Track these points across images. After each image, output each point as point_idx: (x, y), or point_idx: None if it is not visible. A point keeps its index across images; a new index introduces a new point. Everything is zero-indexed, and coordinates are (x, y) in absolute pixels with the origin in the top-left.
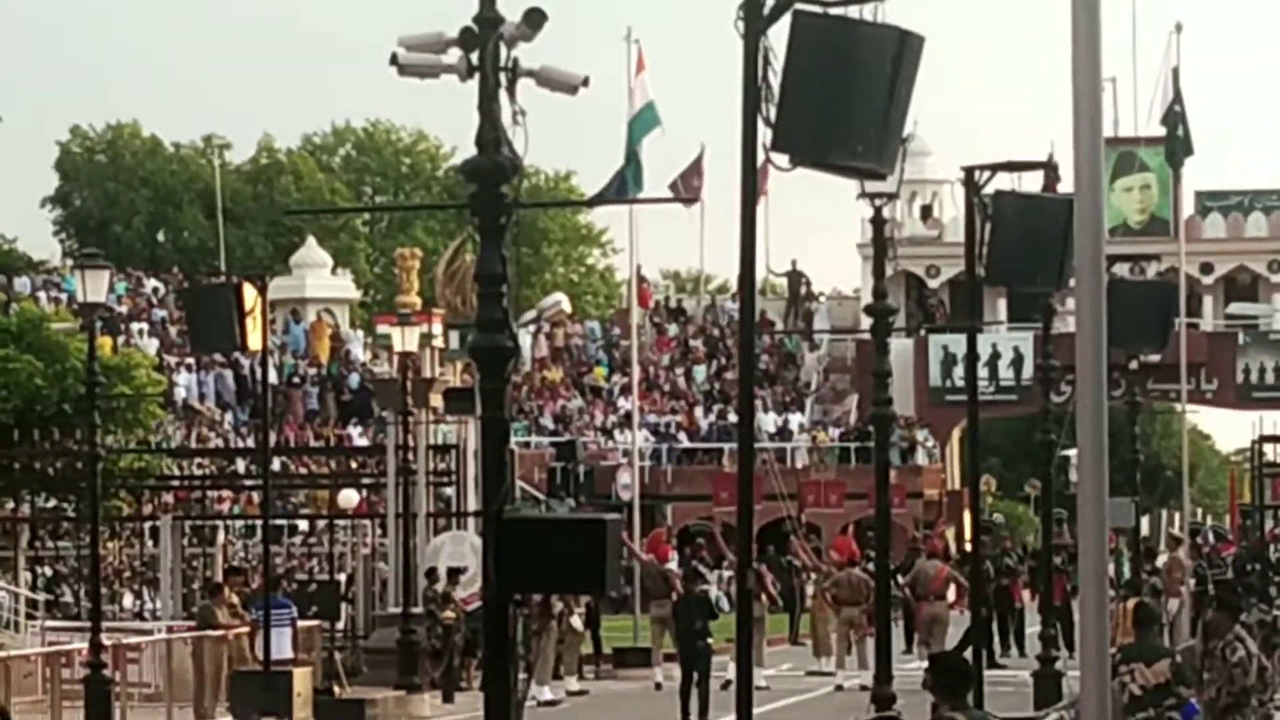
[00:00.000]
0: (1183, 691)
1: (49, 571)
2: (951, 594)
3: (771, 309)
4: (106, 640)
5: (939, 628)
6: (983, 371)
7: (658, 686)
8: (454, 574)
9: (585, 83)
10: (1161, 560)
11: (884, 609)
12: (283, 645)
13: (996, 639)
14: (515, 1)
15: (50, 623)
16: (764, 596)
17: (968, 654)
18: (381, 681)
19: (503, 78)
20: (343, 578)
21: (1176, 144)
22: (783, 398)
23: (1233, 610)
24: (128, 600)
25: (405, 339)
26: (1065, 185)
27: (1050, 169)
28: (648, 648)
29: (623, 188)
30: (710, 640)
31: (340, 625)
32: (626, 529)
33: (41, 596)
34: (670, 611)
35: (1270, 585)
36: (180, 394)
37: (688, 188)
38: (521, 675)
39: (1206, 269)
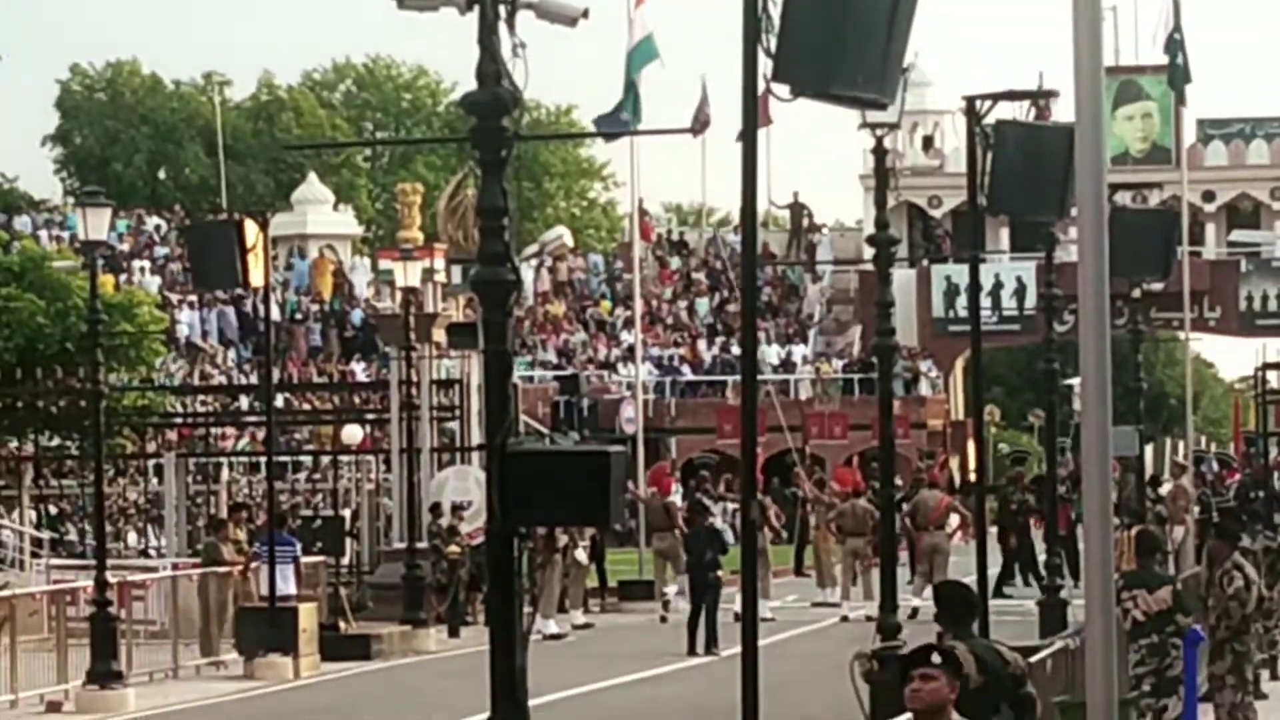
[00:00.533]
0: (1181, 619)
1: (53, 510)
2: (955, 522)
3: (774, 241)
4: (111, 578)
5: (940, 558)
6: (986, 301)
7: (663, 619)
8: (458, 509)
9: (585, 15)
10: (1166, 488)
11: (889, 540)
12: (286, 581)
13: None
14: None
15: (55, 561)
16: (767, 529)
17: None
18: (387, 617)
19: (502, 10)
20: (347, 513)
21: (1176, 72)
22: (786, 330)
23: (1231, 538)
24: (132, 538)
25: (408, 274)
26: (1063, 114)
27: (1049, 97)
28: (653, 580)
29: (621, 120)
30: (720, 572)
31: (345, 561)
32: (630, 462)
33: (46, 535)
34: (673, 544)
35: (1276, 512)
36: (183, 331)
37: (697, 119)
38: (526, 609)
39: (1208, 197)
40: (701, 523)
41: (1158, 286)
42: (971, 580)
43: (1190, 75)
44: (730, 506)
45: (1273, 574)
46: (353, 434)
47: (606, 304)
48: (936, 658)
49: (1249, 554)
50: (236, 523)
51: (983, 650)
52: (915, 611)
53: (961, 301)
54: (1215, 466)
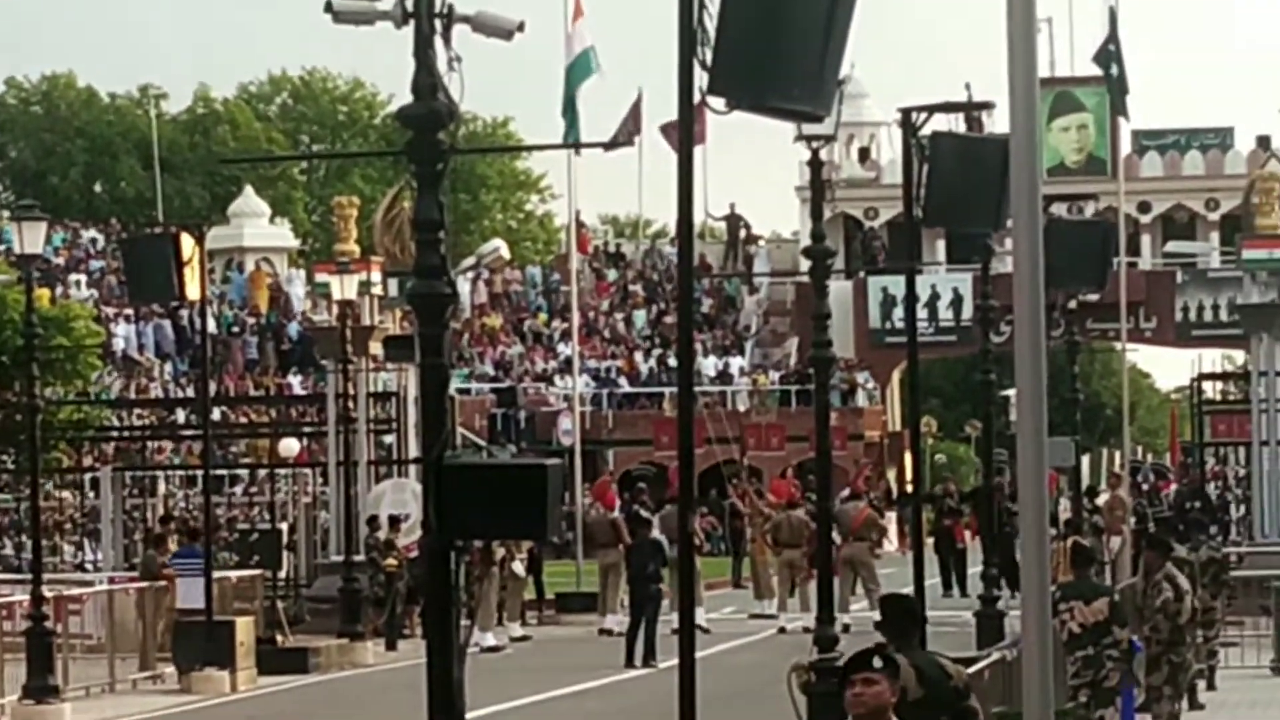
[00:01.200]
0: (1118, 631)
1: None
2: (893, 537)
3: (710, 253)
4: (48, 592)
5: (864, 569)
6: (922, 313)
7: (607, 632)
8: (396, 521)
9: (521, 28)
10: (1102, 499)
11: (825, 551)
12: (192, 594)
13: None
14: None
15: None
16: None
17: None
18: (324, 630)
19: (438, 23)
20: (284, 527)
21: (1113, 83)
22: (723, 341)
23: (1164, 549)
24: (69, 552)
25: (344, 287)
26: (1000, 125)
27: (984, 109)
28: (590, 592)
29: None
30: (663, 585)
31: (282, 574)
32: (568, 474)
33: None
34: (619, 560)
35: (1215, 523)
36: (119, 345)
37: (626, 131)
38: (464, 622)
39: (1144, 208)
40: (644, 535)
41: (1094, 297)
42: (909, 591)
43: (1128, 86)
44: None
45: (1216, 584)
46: (289, 447)
47: (543, 315)
48: (878, 661)
49: (1184, 564)
50: (169, 535)
51: (924, 663)
52: (846, 628)
53: (898, 313)
54: (1151, 477)
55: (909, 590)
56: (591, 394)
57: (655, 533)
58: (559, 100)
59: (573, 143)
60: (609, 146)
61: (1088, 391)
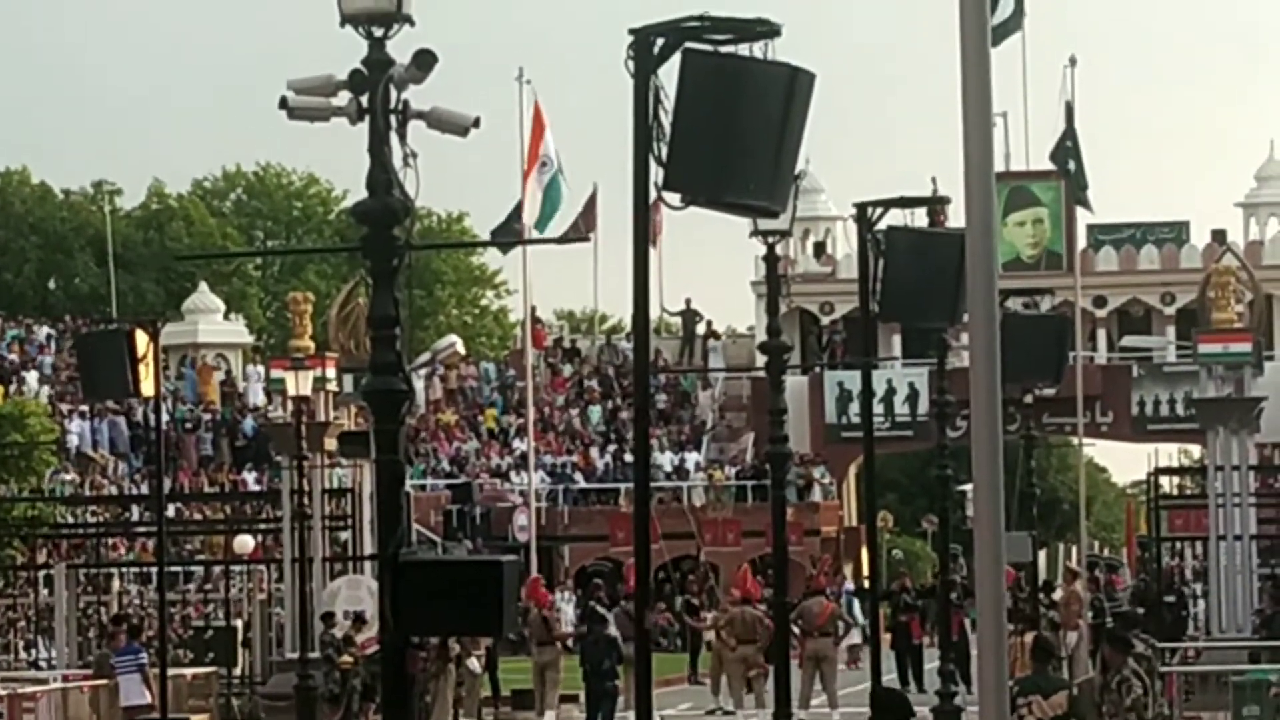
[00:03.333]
0: None
1: None
2: (840, 629)
3: (666, 348)
4: (2, 690)
5: (826, 665)
6: (878, 408)
7: None
8: (357, 618)
9: (476, 124)
10: (1059, 593)
11: (783, 646)
12: (131, 691)
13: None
14: (405, 43)
15: None
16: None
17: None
18: None
19: (393, 120)
20: (239, 623)
21: (1071, 179)
22: (679, 436)
23: (1124, 645)
24: (21, 650)
25: (299, 383)
26: (956, 219)
27: (940, 204)
28: None
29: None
30: (618, 682)
31: (237, 671)
32: (524, 571)
33: None
34: (554, 657)
35: (1163, 617)
36: (73, 441)
37: (580, 227)
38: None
39: (1100, 302)
40: (600, 631)
41: (1050, 392)
42: (865, 687)
43: (1087, 181)
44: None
45: (1150, 677)
46: (244, 543)
47: (492, 412)
48: None
49: (1143, 659)
50: (120, 633)
51: None
52: None
53: (854, 408)
54: (1104, 571)
55: (866, 686)
56: (547, 490)
57: (611, 629)
58: (514, 196)
59: (526, 239)
60: (561, 241)
61: (1044, 486)
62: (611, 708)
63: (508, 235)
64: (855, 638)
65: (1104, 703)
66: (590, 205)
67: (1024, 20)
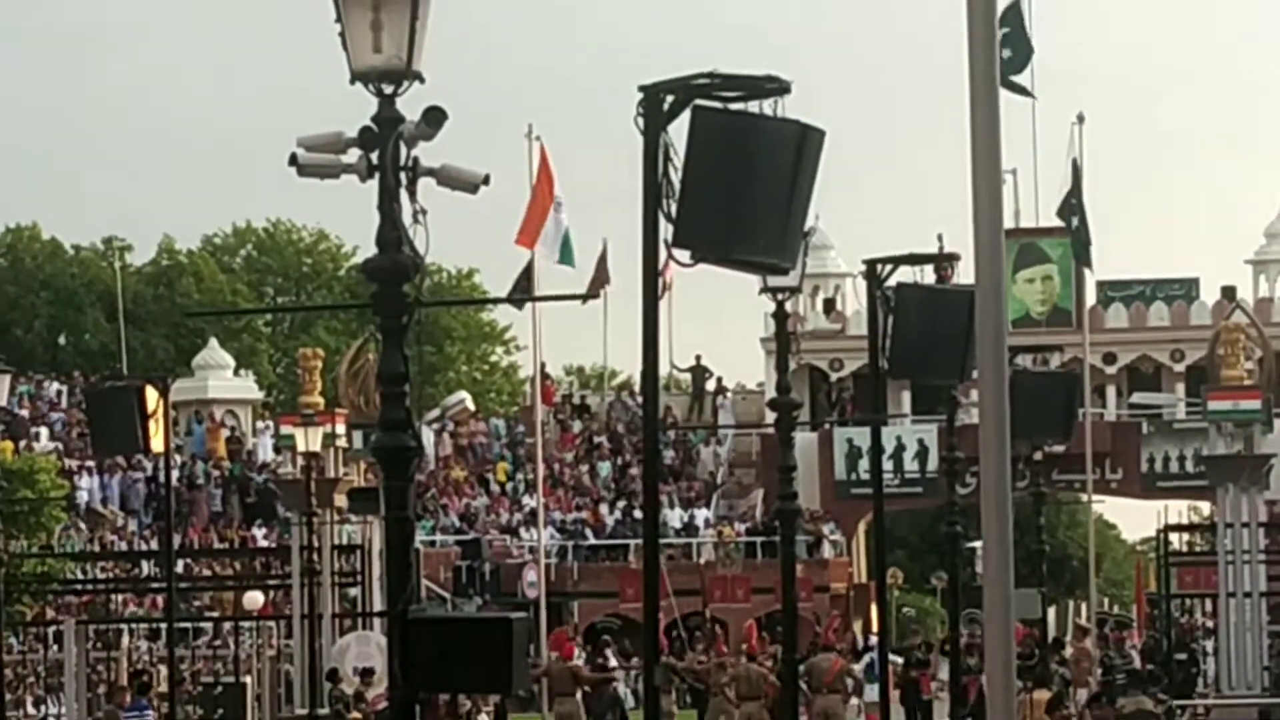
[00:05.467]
0: None
1: None
2: (850, 686)
3: (676, 404)
4: None
5: None
6: (888, 464)
7: None
8: (366, 674)
9: (486, 181)
10: (1069, 651)
11: (792, 703)
12: None
13: None
14: (415, 100)
15: None
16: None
17: None
18: None
19: (403, 177)
20: (249, 680)
21: (1075, 236)
22: (688, 493)
23: (1109, 703)
24: (30, 706)
25: (309, 439)
26: (965, 276)
27: (949, 260)
28: None
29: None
30: None
31: None
32: (533, 627)
33: None
34: (574, 709)
35: (1173, 675)
36: (83, 497)
37: (592, 282)
38: None
39: (1109, 359)
40: (603, 688)
41: (1059, 449)
42: None
43: (1089, 237)
44: (634, 672)
45: None
46: (254, 599)
47: (505, 465)
48: None
49: (1152, 718)
50: (133, 691)
51: None
52: None
53: (864, 464)
54: (1115, 629)
55: None
56: (557, 546)
57: (620, 686)
58: (524, 256)
59: (540, 296)
60: (585, 299)
61: (1054, 543)
62: None
63: (521, 293)
64: (872, 695)
65: None
66: (601, 261)
67: (1030, 58)
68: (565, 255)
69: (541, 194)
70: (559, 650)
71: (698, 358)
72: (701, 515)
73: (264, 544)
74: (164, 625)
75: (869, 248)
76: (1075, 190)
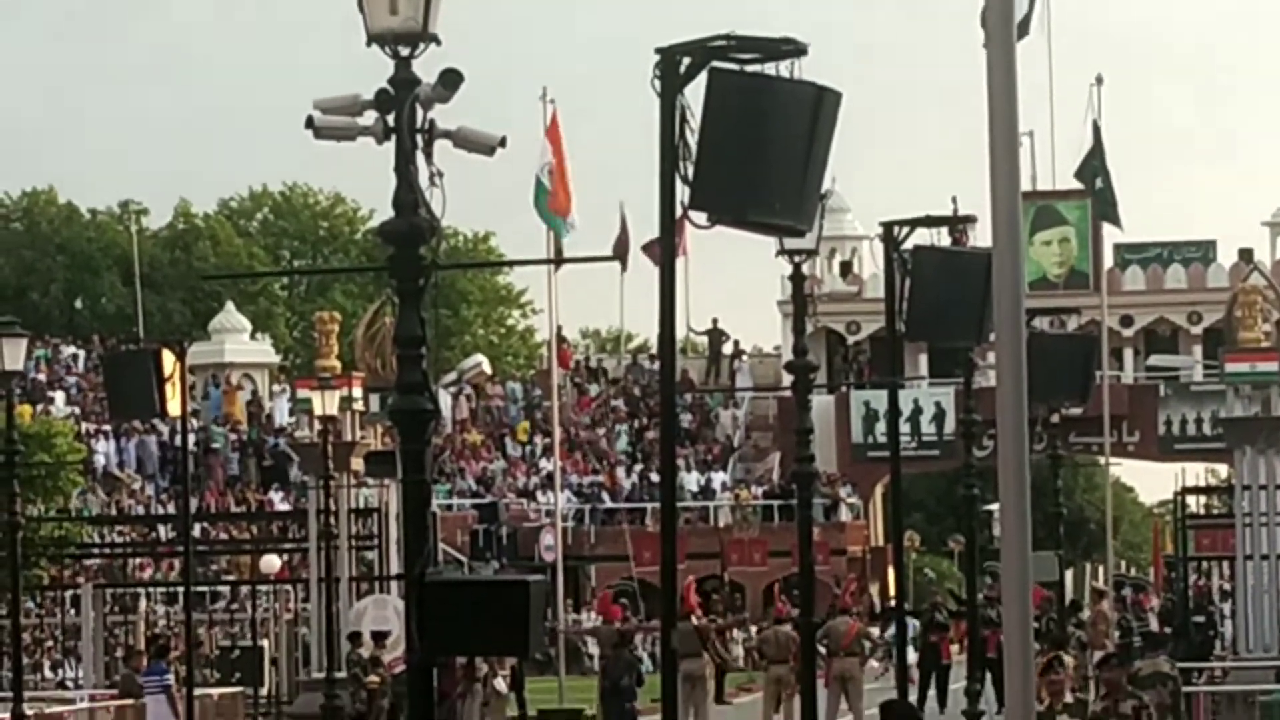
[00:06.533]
0: None
1: None
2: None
3: (693, 367)
4: (29, 710)
5: (852, 685)
6: (905, 427)
7: None
8: (380, 637)
9: (503, 143)
10: (1086, 613)
11: (810, 666)
12: (159, 712)
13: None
14: (431, 63)
15: None
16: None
17: None
18: None
19: (419, 139)
20: (266, 644)
21: (1101, 196)
22: (705, 456)
23: (1119, 664)
24: (48, 669)
25: (325, 403)
26: (982, 238)
27: (967, 222)
28: (573, 709)
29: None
30: (636, 703)
31: (264, 692)
32: (550, 590)
33: None
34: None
35: (1190, 637)
36: (100, 461)
37: (618, 247)
38: None
39: (1126, 321)
40: (619, 651)
41: (1077, 411)
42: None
43: (1115, 197)
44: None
45: (1174, 698)
46: (271, 563)
47: (525, 425)
48: None
49: (1168, 680)
50: (152, 655)
51: None
52: None
53: (880, 427)
54: (1132, 591)
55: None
56: (574, 510)
57: (638, 650)
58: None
59: (557, 259)
60: (617, 259)
61: (1071, 506)
62: None
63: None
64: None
65: None
66: (622, 226)
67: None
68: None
69: (558, 159)
70: (605, 613)
71: (715, 321)
72: (718, 478)
73: (281, 508)
74: (181, 589)
75: (886, 210)
76: (1097, 151)
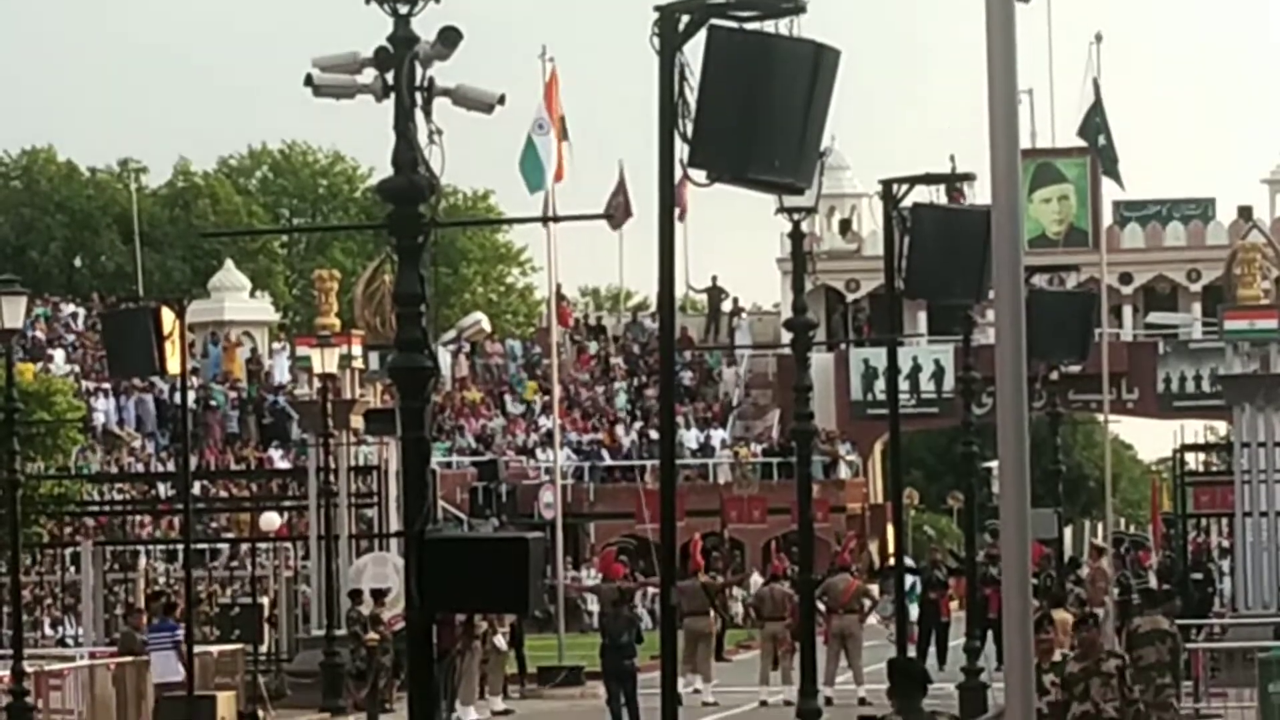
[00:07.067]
0: None
1: None
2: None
3: (692, 325)
4: (29, 667)
5: (851, 642)
6: (904, 385)
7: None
8: (379, 595)
9: (501, 101)
10: (1085, 570)
11: (808, 624)
12: (166, 668)
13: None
14: (430, 20)
15: None
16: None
17: None
18: (306, 704)
19: (418, 97)
20: (265, 601)
21: (1105, 154)
22: (704, 414)
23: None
24: (48, 627)
25: (325, 360)
26: (981, 196)
27: (965, 180)
28: (572, 665)
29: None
30: (635, 660)
31: (264, 649)
32: (549, 548)
33: None
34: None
35: (1189, 594)
36: (99, 419)
37: (615, 207)
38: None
39: (1125, 279)
40: (619, 609)
41: (1076, 369)
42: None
43: (1117, 154)
44: (651, 591)
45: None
46: (270, 521)
47: (533, 385)
48: None
49: (1167, 636)
50: (153, 611)
51: None
52: (829, 700)
53: (880, 385)
54: (1130, 549)
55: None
56: (573, 467)
57: (637, 607)
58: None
59: (555, 216)
60: (608, 218)
61: (1070, 463)
62: (633, 686)
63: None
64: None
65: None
66: (621, 184)
67: None
68: (534, 176)
69: (554, 121)
70: (607, 571)
71: (714, 278)
72: (718, 436)
73: (281, 465)
74: (181, 546)
75: (885, 168)
76: (1098, 108)
